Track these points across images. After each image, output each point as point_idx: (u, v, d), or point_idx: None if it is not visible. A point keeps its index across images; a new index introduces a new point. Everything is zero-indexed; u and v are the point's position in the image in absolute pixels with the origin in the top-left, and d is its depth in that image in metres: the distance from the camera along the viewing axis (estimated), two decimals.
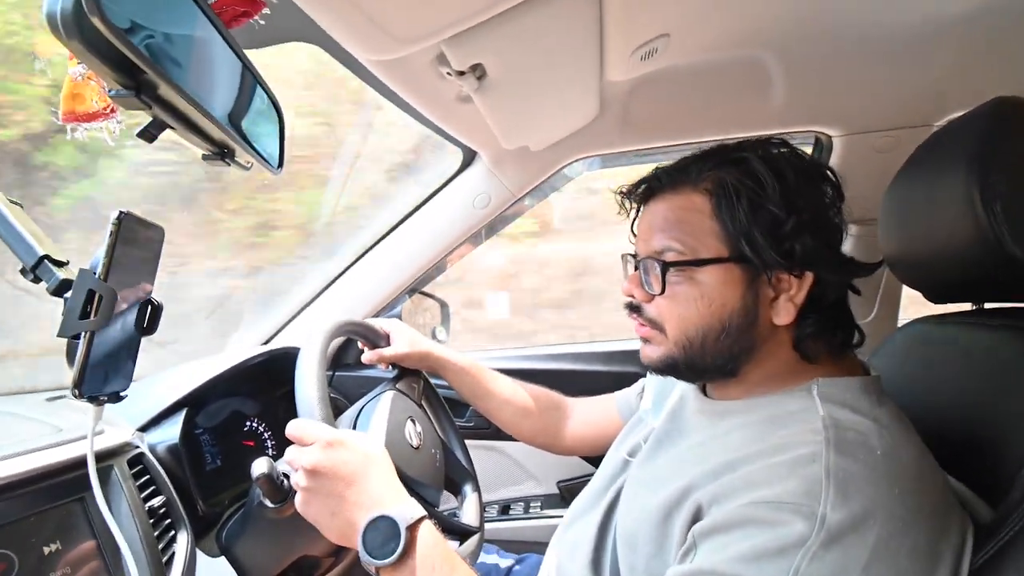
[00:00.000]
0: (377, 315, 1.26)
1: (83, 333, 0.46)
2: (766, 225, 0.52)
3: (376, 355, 0.84)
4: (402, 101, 0.75)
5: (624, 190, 0.62)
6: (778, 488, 0.44)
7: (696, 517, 0.50)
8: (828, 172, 0.56)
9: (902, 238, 0.62)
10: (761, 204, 0.52)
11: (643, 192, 0.61)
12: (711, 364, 0.56)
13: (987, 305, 0.63)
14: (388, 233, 1.21)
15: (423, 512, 0.53)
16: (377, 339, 0.85)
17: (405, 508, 0.53)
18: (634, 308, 0.60)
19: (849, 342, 0.57)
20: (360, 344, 0.87)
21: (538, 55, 0.66)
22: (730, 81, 0.92)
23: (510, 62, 0.65)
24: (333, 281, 1.23)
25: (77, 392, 0.48)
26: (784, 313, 0.53)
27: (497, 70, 0.65)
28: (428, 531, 0.53)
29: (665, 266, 0.55)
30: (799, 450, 0.46)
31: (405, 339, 0.85)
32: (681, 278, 0.55)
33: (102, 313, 0.46)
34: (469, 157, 1.14)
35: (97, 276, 0.46)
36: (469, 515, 0.79)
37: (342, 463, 0.55)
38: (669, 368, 0.58)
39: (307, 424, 0.58)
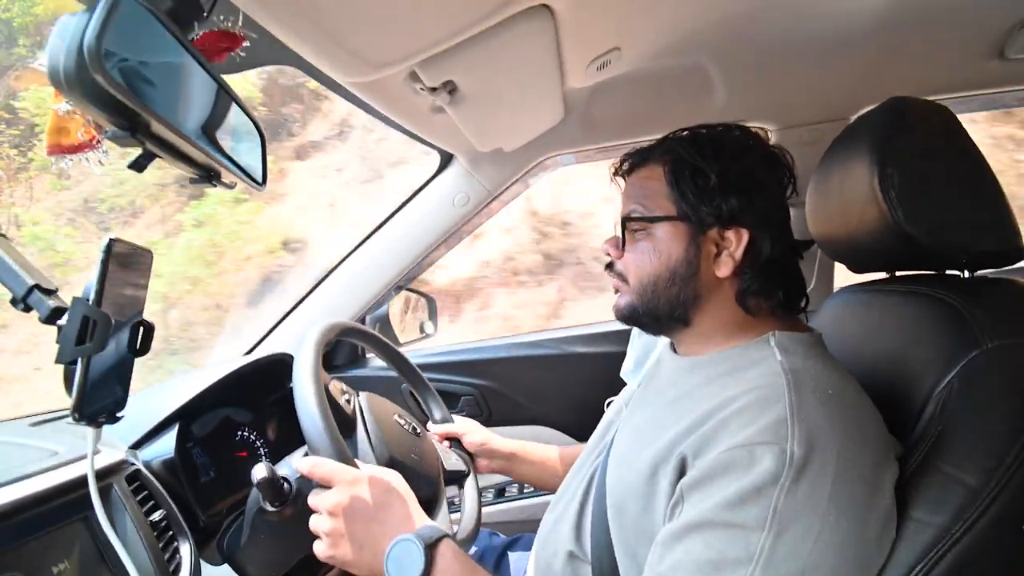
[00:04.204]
0: (365, 313, 1.28)
1: (80, 359, 0.48)
2: (704, 187, 0.59)
3: (444, 430, 0.94)
4: (379, 113, 0.77)
5: (613, 170, 0.71)
6: (751, 430, 0.48)
7: (682, 471, 0.52)
8: (764, 145, 0.63)
9: (825, 219, 0.70)
10: (700, 169, 0.60)
11: (625, 169, 0.69)
12: (664, 310, 0.63)
13: (898, 273, 0.72)
14: (371, 235, 1.23)
15: (443, 532, 0.57)
16: (441, 411, 0.96)
17: (425, 529, 0.57)
18: (609, 266, 0.68)
19: (792, 303, 0.63)
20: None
21: (504, 71, 0.70)
22: (678, 85, 1.03)
23: (479, 78, 0.68)
24: (317, 285, 1.24)
25: (77, 415, 0.49)
26: (724, 266, 0.60)
27: (467, 85, 0.69)
28: (448, 548, 0.56)
29: (625, 222, 0.64)
30: (764, 392, 0.51)
31: (469, 423, 0.97)
32: (642, 235, 0.63)
33: (97, 338, 0.47)
34: (446, 159, 1.16)
35: (91, 303, 0.48)
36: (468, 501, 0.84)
37: (364, 501, 0.58)
38: (632, 315, 0.65)
39: (323, 464, 0.60)
